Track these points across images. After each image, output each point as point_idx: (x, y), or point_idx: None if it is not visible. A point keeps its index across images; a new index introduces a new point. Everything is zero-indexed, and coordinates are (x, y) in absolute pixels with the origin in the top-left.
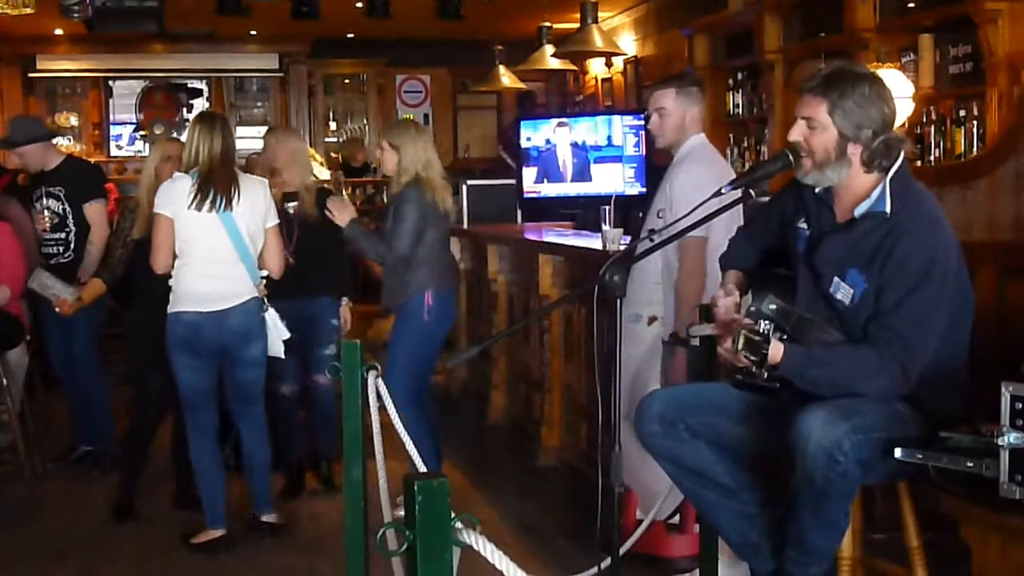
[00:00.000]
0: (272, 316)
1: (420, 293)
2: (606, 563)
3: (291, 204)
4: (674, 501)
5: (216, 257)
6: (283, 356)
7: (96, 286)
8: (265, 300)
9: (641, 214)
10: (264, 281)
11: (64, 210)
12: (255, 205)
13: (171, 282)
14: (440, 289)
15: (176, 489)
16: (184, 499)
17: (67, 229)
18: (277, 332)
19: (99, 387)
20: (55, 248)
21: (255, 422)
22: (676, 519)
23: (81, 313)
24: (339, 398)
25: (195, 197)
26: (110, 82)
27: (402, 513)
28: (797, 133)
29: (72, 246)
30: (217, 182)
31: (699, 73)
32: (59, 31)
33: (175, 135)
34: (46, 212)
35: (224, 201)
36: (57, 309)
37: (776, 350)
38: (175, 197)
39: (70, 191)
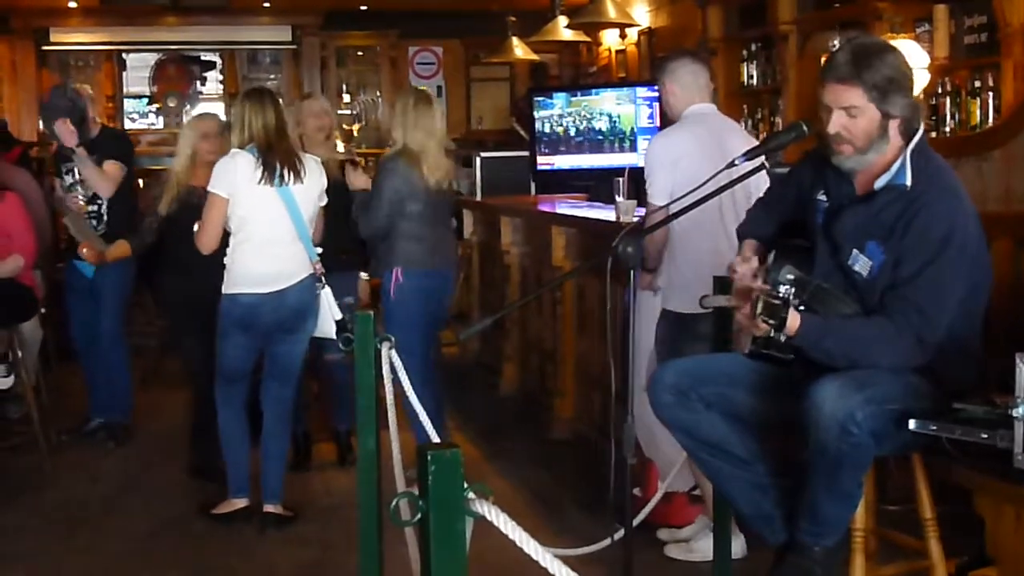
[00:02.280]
0: (327, 295)
1: (388, 270)
2: (619, 534)
3: None
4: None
5: (274, 234)
6: (335, 337)
7: (122, 247)
8: (322, 278)
9: None
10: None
11: None
12: (312, 182)
13: (226, 261)
14: (415, 266)
15: (193, 458)
16: (203, 469)
17: (100, 201)
18: (331, 311)
19: (121, 357)
20: (88, 221)
21: (284, 405)
22: (699, 490)
23: (109, 282)
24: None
25: (261, 172)
26: (123, 55)
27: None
28: (836, 125)
29: (105, 218)
30: (279, 156)
31: (712, 44)
32: (72, 4)
33: (208, 112)
34: (79, 188)
35: (292, 175)
36: (83, 251)
37: (793, 320)
38: (234, 173)
39: (101, 161)
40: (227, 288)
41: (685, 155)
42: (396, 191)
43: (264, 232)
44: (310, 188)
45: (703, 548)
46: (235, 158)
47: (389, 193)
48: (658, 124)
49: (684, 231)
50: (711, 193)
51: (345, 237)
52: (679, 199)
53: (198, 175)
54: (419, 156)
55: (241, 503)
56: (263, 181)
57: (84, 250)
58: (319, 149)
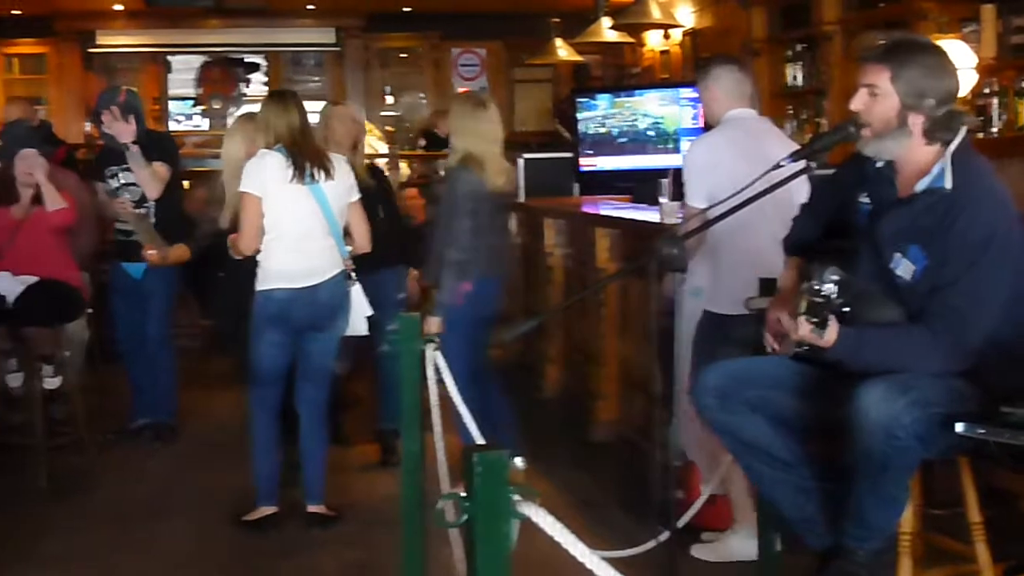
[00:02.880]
0: (357, 291)
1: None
2: (663, 536)
3: None
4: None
5: (306, 231)
6: (367, 333)
7: (182, 251)
8: (352, 275)
9: None
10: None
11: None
12: (341, 178)
13: (259, 258)
14: (483, 275)
15: None
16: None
17: (148, 204)
18: (361, 308)
19: (168, 358)
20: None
21: (319, 407)
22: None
23: (156, 285)
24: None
25: (292, 170)
26: (168, 57)
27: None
28: (859, 102)
29: (153, 221)
30: (308, 154)
31: (756, 45)
32: (118, 6)
33: (245, 112)
34: (126, 191)
35: (322, 172)
36: (149, 253)
37: (830, 332)
38: (264, 172)
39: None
40: (261, 285)
41: (724, 159)
42: (470, 200)
43: (297, 229)
44: (340, 184)
45: (728, 549)
46: (264, 158)
47: (464, 204)
48: (702, 125)
49: (726, 233)
50: (756, 195)
51: (383, 235)
52: (724, 201)
53: None
54: (483, 162)
55: (270, 510)
56: (294, 179)
57: (150, 252)
58: (346, 156)
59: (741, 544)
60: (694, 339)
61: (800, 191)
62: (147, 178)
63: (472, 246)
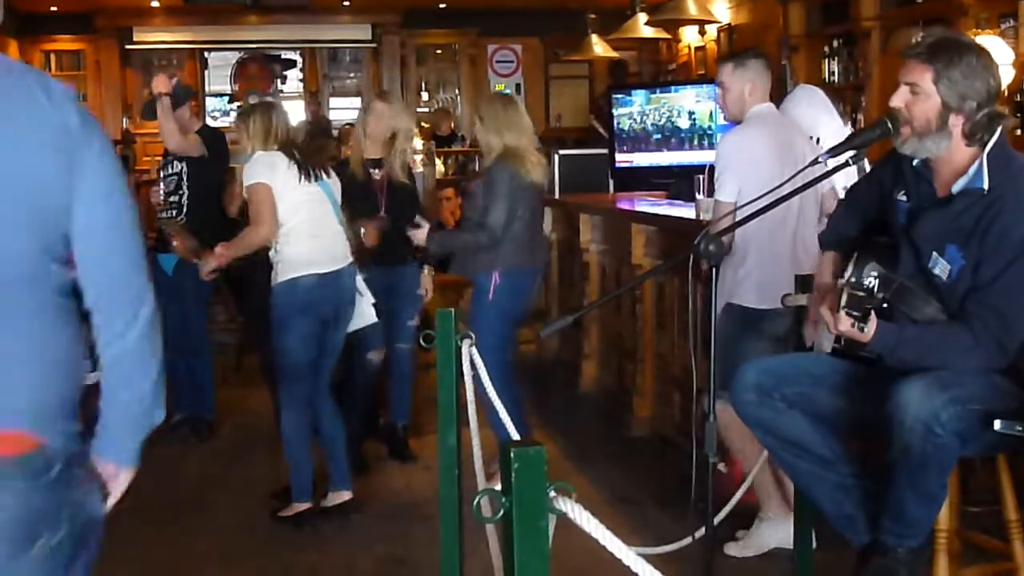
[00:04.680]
0: (361, 281)
1: (488, 271)
2: (700, 533)
3: (376, 170)
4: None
5: (320, 218)
6: (377, 319)
7: (214, 254)
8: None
9: None
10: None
11: (181, 170)
12: (335, 178)
13: (276, 252)
14: (512, 267)
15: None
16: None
17: (180, 192)
18: (366, 296)
19: (205, 354)
20: (167, 212)
21: (329, 397)
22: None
23: (189, 280)
24: (425, 367)
25: (298, 169)
26: (205, 53)
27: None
28: (899, 99)
29: (185, 209)
30: (305, 154)
31: (793, 40)
32: (155, 3)
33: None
34: (161, 185)
35: (321, 171)
36: (176, 243)
37: (870, 326)
38: (273, 167)
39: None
40: (284, 275)
41: (758, 155)
42: (510, 195)
43: (312, 216)
44: (336, 183)
45: (761, 540)
46: (270, 155)
47: (505, 200)
48: (728, 120)
49: (756, 227)
50: (795, 190)
51: (401, 231)
52: (763, 196)
53: None
54: (521, 155)
55: (304, 506)
56: (302, 178)
57: (175, 242)
58: (378, 148)
59: (772, 531)
60: (719, 332)
61: (827, 186)
62: (169, 130)
63: (518, 238)
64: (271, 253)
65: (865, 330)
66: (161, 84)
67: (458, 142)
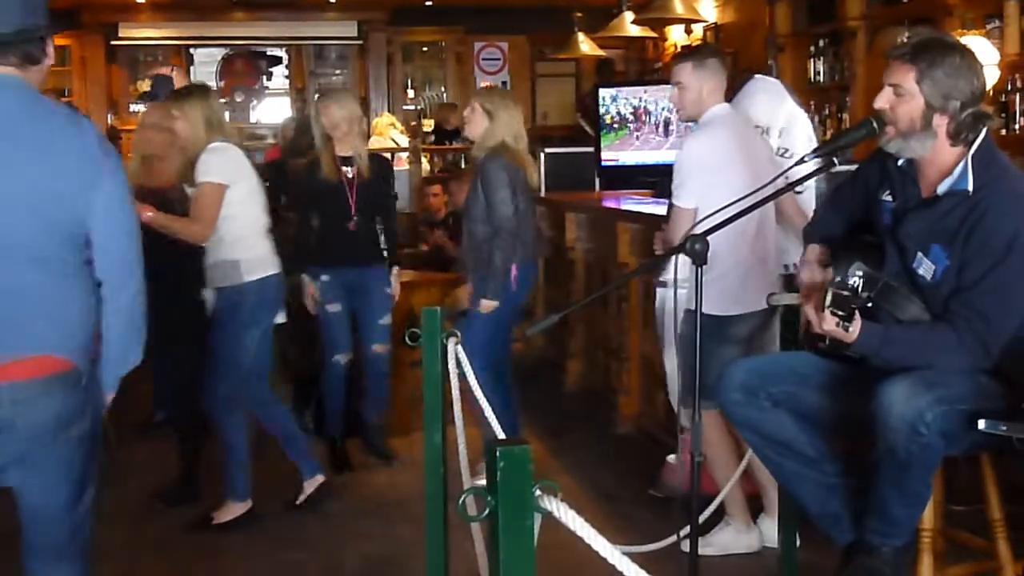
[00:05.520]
0: None
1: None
2: (685, 531)
3: (347, 168)
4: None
5: (260, 219)
6: (285, 321)
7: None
8: None
9: None
10: None
11: None
12: None
13: (230, 253)
14: (524, 259)
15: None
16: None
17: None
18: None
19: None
20: None
21: (270, 391)
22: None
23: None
24: (408, 366)
25: (248, 162)
26: (191, 50)
27: (481, 480)
28: (883, 100)
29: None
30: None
31: (780, 39)
32: None
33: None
34: None
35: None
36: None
37: (854, 328)
38: (233, 162)
39: None
40: (253, 274)
41: (723, 159)
42: (510, 185)
43: (261, 216)
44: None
45: (720, 542)
46: (227, 149)
47: (503, 189)
48: (686, 119)
49: (723, 234)
50: (768, 196)
51: (370, 230)
52: (739, 200)
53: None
54: (516, 151)
55: (246, 507)
56: (252, 171)
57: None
58: (352, 141)
59: (736, 539)
60: (684, 339)
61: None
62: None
63: (522, 231)
64: (234, 252)
65: (850, 330)
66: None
67: (459, 140)
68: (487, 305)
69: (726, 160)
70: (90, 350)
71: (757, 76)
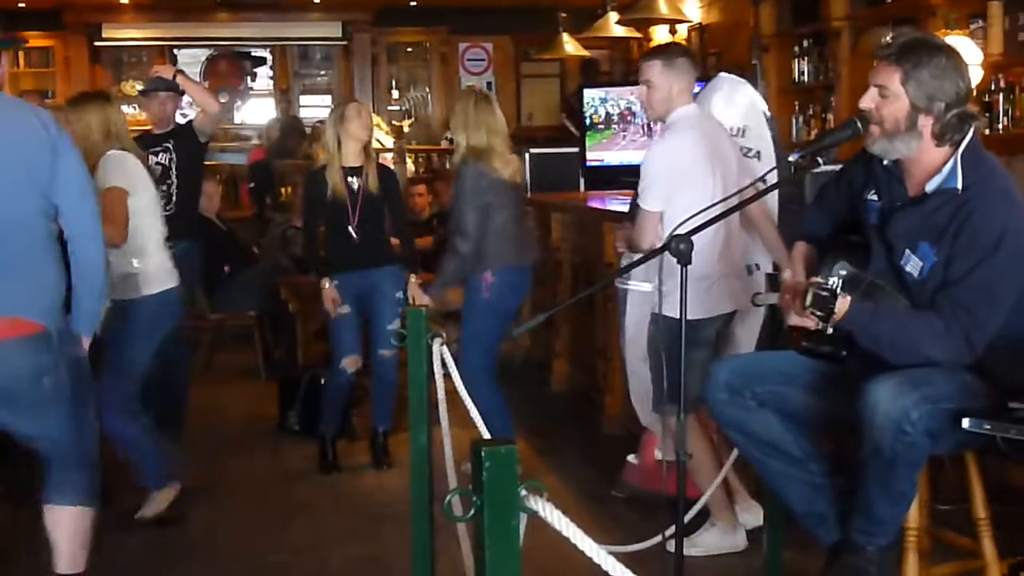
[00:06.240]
0: None
1: (480, 271)
2: (670, 531)
3: (354, 179)
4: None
5: (159, 229)
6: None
7: None
8: None
9: None
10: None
11: (169, 160)
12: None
13: (127, 265)
14: (503, 265)
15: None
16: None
17: (169, 181)
18: None
19: (184, 356)
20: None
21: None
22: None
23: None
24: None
25: (146, 168)
26: (175, 50)
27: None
28: (868, 100)
29: (174, 199)
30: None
31: (764, 40)
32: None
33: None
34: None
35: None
36: None
37: (842, 303)
38: (131, 169)
39: (179, 144)
40: (154, 287)
41: (691, 162)
42: (478, 192)
43: (159, 227)
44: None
45: (706, 542)
46: (125, 158)
47: (472, 197)
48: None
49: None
50: (744, 201)
51: (379, 233)
52: (716, 204)
53: None
54: (487, 153)
55: (174, 491)
56: (152, 181)
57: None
58: (356, 156)
59: (720, 539)
60: (652, 342)
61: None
62: (201, 93)
63: (504, 234)
64: (133, 263)
65: (830, 330)
66: (165, 71)
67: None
68: (418, 296)
69: (692, 162)
70: (60, 311)
71: (721, 74)
